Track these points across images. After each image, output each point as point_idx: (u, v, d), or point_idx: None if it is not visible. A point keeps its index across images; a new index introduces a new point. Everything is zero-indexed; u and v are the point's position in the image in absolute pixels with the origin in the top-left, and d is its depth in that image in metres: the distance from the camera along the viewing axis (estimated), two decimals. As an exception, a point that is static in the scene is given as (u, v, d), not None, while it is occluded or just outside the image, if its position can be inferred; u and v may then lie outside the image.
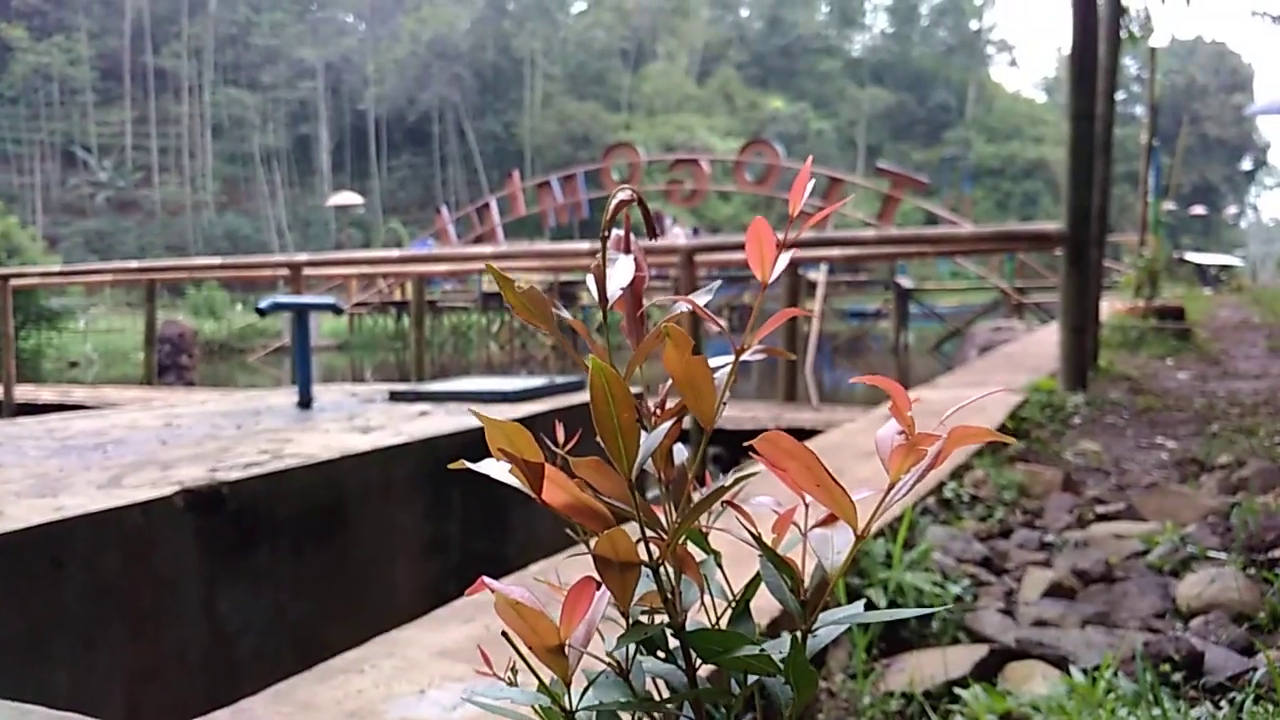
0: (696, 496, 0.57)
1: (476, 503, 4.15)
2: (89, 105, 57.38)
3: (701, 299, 0.56)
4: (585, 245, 9.04)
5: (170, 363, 13.70)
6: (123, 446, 3.91)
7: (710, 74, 68.04)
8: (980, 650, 1.85)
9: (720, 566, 0.63)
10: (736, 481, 0.57)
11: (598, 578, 0.53)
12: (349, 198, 35.91)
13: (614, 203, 0.54)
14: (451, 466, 0.61)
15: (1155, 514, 2.88)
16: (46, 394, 9.77)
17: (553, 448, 0.59)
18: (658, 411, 0.58)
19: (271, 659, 3.24)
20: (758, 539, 0.58)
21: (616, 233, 0.57)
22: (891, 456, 0.58)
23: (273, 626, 3.26)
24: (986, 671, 1.80)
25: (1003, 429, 3.96)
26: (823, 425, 6.35)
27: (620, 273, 0.54)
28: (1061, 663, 1.81)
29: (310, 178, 62.44)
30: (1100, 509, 2.99)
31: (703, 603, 0.61)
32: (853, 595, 1.96)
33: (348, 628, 3.46)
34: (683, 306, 0.56)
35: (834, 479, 0.58)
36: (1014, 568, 2.39)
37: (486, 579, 0.55)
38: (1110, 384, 6.03)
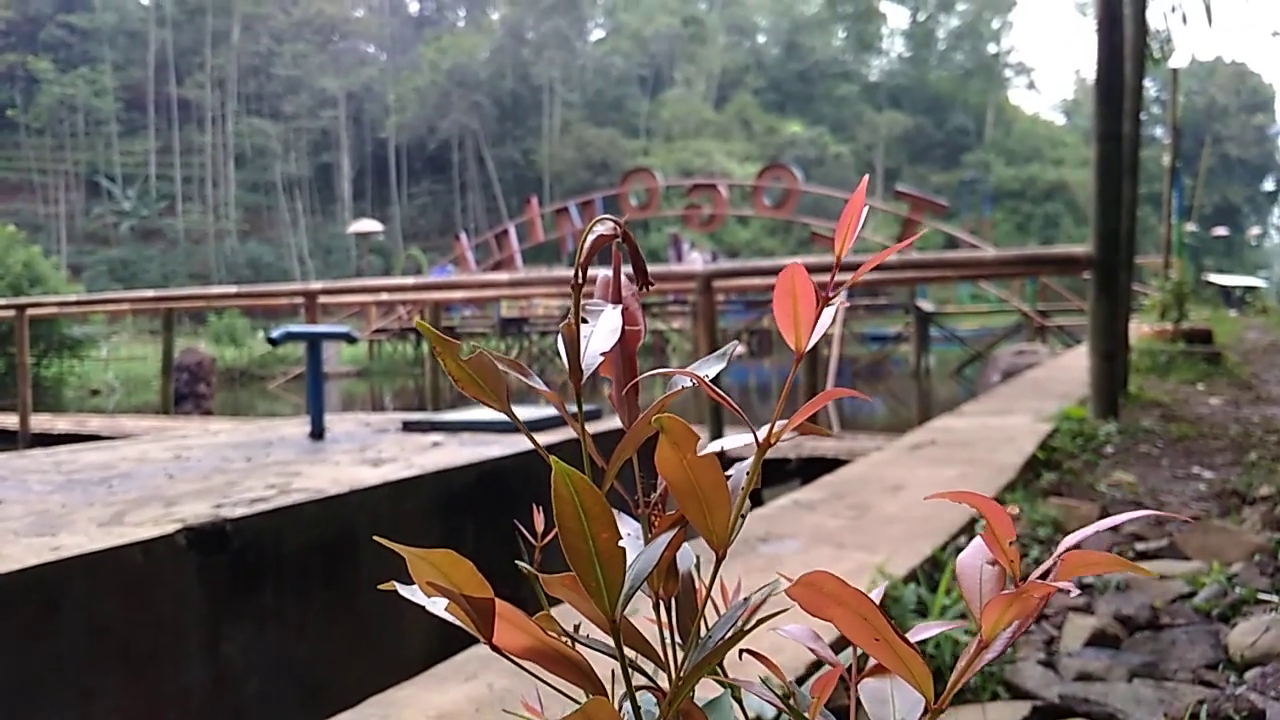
0: (709, 614, 0.45)
1: (491, 537, 4.04)
2: (113, 135, 58.07)
3: (713, 367, 0.45)
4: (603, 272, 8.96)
5: (188, 391, 13.68)
6: (129, 481, 3.83)
7: (728, 99, 68.20)
8: (1022, 708, 1.72)
9: (739, 701, 0.51)
10: (758, 624, 0.45)
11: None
12: (369, 225, 36.12)
13: (592, 238, 0.43)
14: (381, 587, 0.50)
15: (1199, 552, 2.74)
16: (63, 423, 9.75)
17: (530, 539, 0.49)
18: (655, 513, 0.47)
19: (277, 702, 3.14)
20: (788, 705, 0.46)
21: (604, 273, 0.46)
22: (987, 609, 0.44)
23: (278, 669, 3.15)
24: (1029, 732, 1.67)
25: (1034, 460, 3.82)
26: (845, 454, 6.21)
27: (603, 331, 0.43)
28: (1109, 721, 1.67)
29: (332, 205, 62.89)
30: (1140, 546, 2.85)
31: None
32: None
33: (356, 669, 3.35)
34: (685, 381, 0.45)
35: (897, 632, 0.43)
36: (1053, 613, 2.25)
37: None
38: (1141, 411, 5.87)
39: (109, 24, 59.91)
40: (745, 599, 0.46)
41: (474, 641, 1.93)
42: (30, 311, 10.48)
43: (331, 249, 59.60)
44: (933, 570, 2.27)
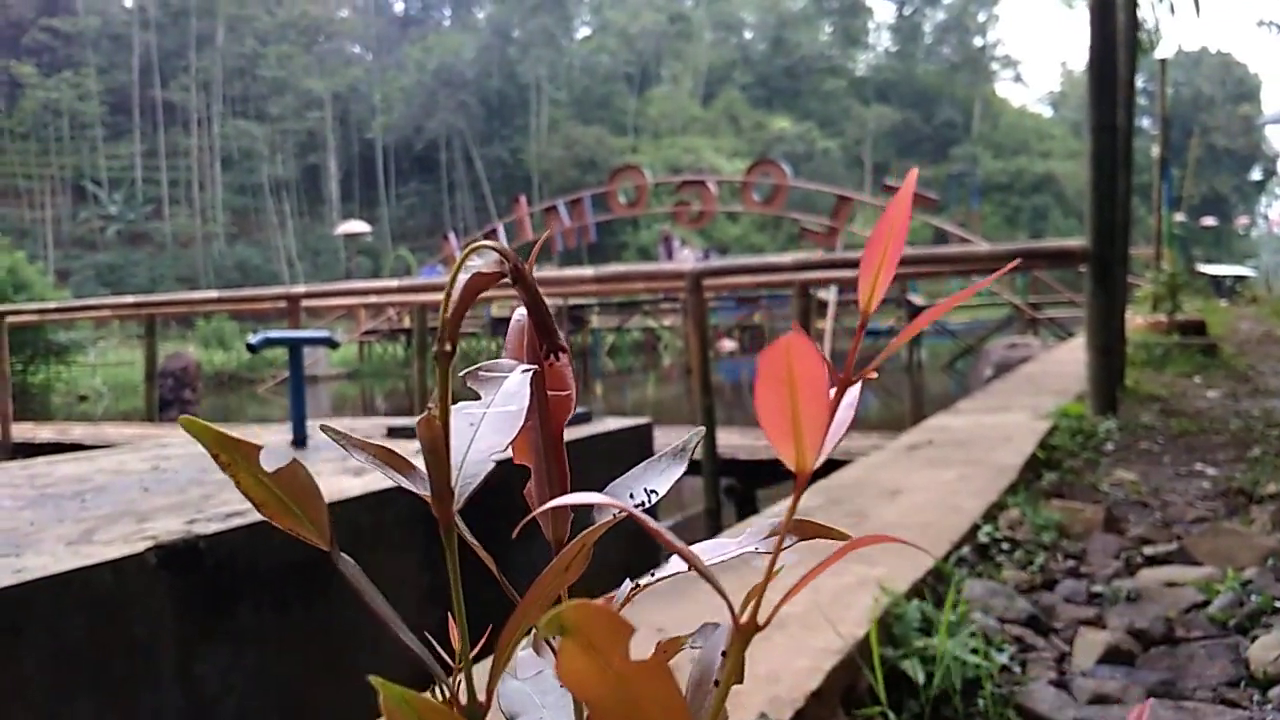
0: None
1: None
2: (99, 139, 57.70)
3: (668, 474, 0.34)
4: (590, 271, 8.85)
5: (173, 397, 13.51)
6: (102, 495, 3.71)
7: (715, 96, 68.12)
8: (1036, 735, 1.61)
9: None
10: None
11: None
12: (357, 226, 35.92)
13: (464, 279, 0.31)
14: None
15: (1209, 556, 2.64)
16: (45, 432, 9.59)
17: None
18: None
19: (255, 725, 3.02)
20: None
21: (517, 319, 0.35)
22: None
23: (256, 689, 3.04)
24: (1044, 760, 1.57)
25: (1034, 460, 3.72)
26: (840, 454, 6.11)
27: (498, 415, 0.31)
28: (1129, 747, 1.57)
29: (319, 207, 62.59)
30: (1148, 550, 2.75)
31: None
32: (888, 668, 1.73)
33: (337, 688, 3.23)
34: (610, 509, 0.34)
35: None
36: (1063, 627, 2.15)
37: None
38: (1140, 406, 5.78)
39: (92, 28, 59.52)
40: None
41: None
42: (10, 319, 10.31)
43: (320, 251, 59.32)
44: (936, 583, 2.16)
